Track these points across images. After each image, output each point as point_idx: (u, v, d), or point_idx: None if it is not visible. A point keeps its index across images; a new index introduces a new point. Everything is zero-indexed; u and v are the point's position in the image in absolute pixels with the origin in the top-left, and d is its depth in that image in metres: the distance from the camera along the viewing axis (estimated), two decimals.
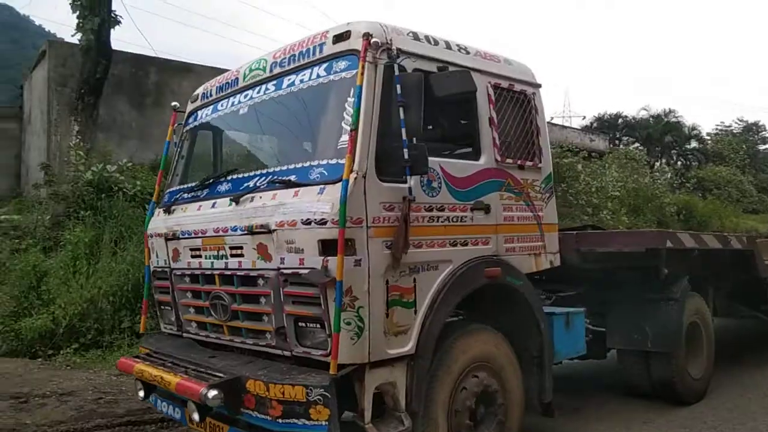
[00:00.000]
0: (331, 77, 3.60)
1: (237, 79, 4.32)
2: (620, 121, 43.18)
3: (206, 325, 4.13)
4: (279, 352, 3.59)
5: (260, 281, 3.61)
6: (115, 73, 12.77)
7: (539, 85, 4.67)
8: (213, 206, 4.00)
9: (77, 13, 11.88)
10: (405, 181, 3.39)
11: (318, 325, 3.34)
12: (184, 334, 4.42)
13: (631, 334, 5.68)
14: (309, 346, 3.41)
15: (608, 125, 41.79)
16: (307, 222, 3.30)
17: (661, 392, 5.80)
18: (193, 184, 4.37)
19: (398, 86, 3.37)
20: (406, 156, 3.32)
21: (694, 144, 36.77)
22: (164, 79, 15.69)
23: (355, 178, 3.26)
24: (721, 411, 5.67)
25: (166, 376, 3.58)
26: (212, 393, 3.23)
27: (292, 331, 3.45)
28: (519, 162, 4.34)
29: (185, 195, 4.40)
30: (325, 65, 3.65)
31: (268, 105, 3.97)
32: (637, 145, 34.18)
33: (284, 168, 3.66)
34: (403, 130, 3.32)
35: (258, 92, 4.08)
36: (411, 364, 3.49)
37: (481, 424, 3.89)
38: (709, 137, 40.30)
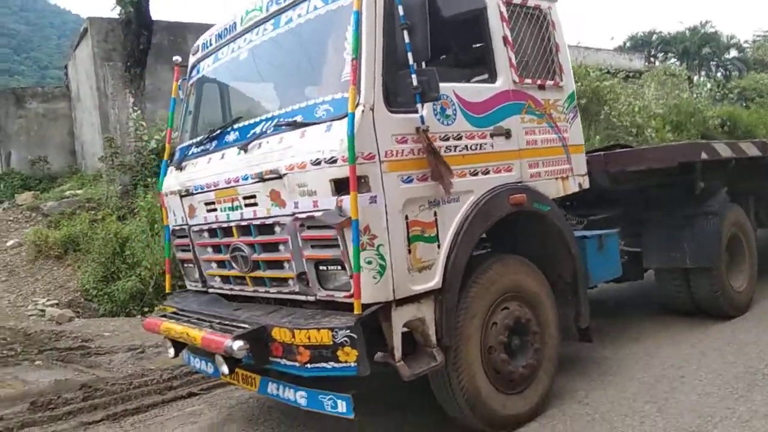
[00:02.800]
0: (329, 7, 3.40)
1: (235, 23, 4.13)
2: (654, 37, 41.41)
3: (229, 278, 4.10)
4: (303, 297, 3.54)
5: (277, 228, 3.53)
6: (154, 42, 12.70)
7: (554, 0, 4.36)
8: (222, 157, 3.90)
9: None
10: (417, 111, 3.23)
11: (339, 267, 3.27)
12: (209, 290, 4.42)
13: (669, 252, 5.51)
14: (332, 289, 3.34)
15: (642, 43, 40.09)
16: (317, 162, 3.17)
17: (704, 308, 5.66)
18: (201, 137, 4.26)
19: (400, 7, 3.16)
20: (414, 82, 3.14)
21: (733, 53, 35.07)
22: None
23: (363, 111, 3.11)
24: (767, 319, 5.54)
25: (191, 331, 3.57)
26: (237, 344, 3.21)
27: (314, 275, 3.39)
28: (539, 82, 4.10)
29: (195, 149, 4.30)
30: None
31: (268, 46, 3.79)
32: (674, 60, 32.73)
33: (289, 109, 3.52)
34: (410, 55, 3.14)
35: (257, 34, 3.90)
36: (439, 298, 3.41)
37: (518, 353, 3.83)
38: (747, 45, 38.42)
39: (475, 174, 3.65)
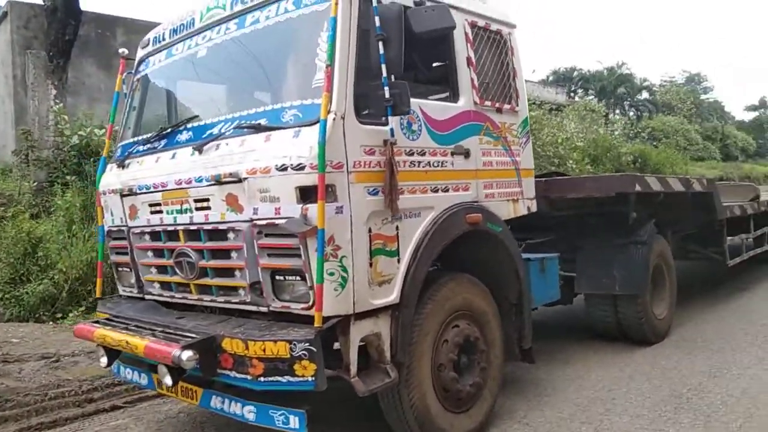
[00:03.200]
0: (301, 11, 3.33)
1: (193, 19, 3.97)
2: (575, 74, 43.71)
3: (171, 285, 3.90)
4: (254, 308, 3.40)
5: (230, 234, 3.39)
6: (80, 34, 12.01)
7: (514, 26, 4.49)
8: (173, 157, 3.72)
9: None
10: (385, 123, 3.22)
11: (298, 278, 3.17)
12: (146, 297, 4.18)
13: (600, 279, 5.73)
14: (288, 300, 3.23)
15: (564, 78, 42.25)
16: (283, 168, 3.08)
17: (629, 333, 5.91)
18: (149, 135, 4.05)
19: (377, 18, 3.14)
20: (387, 95, 3.12)
21: (645, 95, 37.60)
22: (132, 39, 14.72)
23: (334, 119, 3.05)
24: (684, 346, 5.89)
25: (131, 339, 3.35)
26: (186, 354, 3.04)
27: (269, 285, 3.27)
28: (497, 105, 4.19)
29: (141, 147, 4.09)
30: None
31: (231, 45, 3.67)
32: (592, 97, 34.69)
33: (252, 112, 3.41)
34: (383, 67, 3.12)
35: (218, 33, 3.77)
36: (395, 314, 3.37)
37: (465, 372, 3.84)
38: (656, 88, 41.26)
39: (435, 191, 3.67)
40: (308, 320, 3.09)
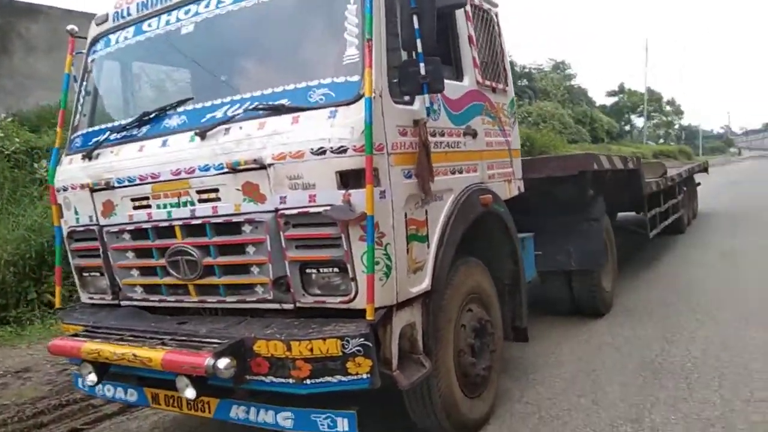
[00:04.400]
0: None
1: None
2: None
3: (161, 287, 3.51)
4: (276, 306, 3.13)
5: (246, 227, 3.09)
6: None
7: (497, 5, 4.45)
8: (164, 145, 3.32)
9: None
10: (412, 102, 3.08)
11: (335, 269, 2.94)
12: (123, 302, 3.74)
13: (556, 256, 5.89)
14: (322, 295, 3.00)
15: None
16: (320, 151, 2.82)
17: (582, 307, 6.16)
18: (128, 121, 3.58)
19: None
20: (422, 71, 2.95)
21: (525, 82, 39.30)
22: (9, 22, 13.08)
23: (373, 98, 2.84)
24: (632, 316, 6.25)
25: (140, 352, 2.94)
26: (224, 362, 2.73)
27: (298, 279, 3.01)
28: (492, 84, 4.15)
29: (114, 135, 3.61)
30: None
31: (229, 20, 3.32)
32: None
33: (267, 92, 3.10)
34: (418, 42, 2.95)
35: (208, 6, 3.39)
36: (426, 302, 3.24)
37: (479, 355, 3.78)
38: (534, 75, 43.41)
39: (453, 173, 3.56)
40: (344, 314, 2.91)
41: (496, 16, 4.37)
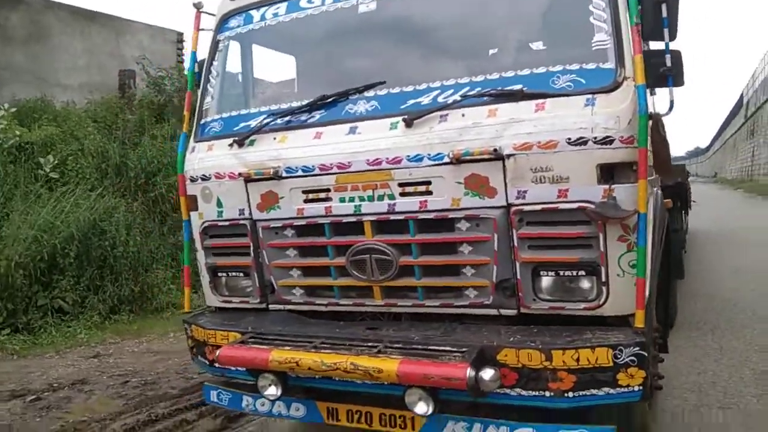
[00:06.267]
0: None
1: None
2: None
3: (332, 289, 3.18)
4: (491, 311, 2.86)
5: (463, 224, 2.81)
6: None
7: None
8: (352, 132, 3.00)
9: None
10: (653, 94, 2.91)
11: (581, 272, 2.70)
12: (272, 306, 3.38)
13: None
14: (560, 300, 2.74)
15: None
16: (579, 141, 2.57)
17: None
18: (301, 105, 3.23)
19: None
20: (668, 62, 2.77)
21: None
22: None
23: (627, 87, 2.63)
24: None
25: (362, 361, 2.58)
26: (489, 373, 2.45)
27: (529, 283, 2.75)
28: None
29: (277, 120, 3.26)
30: None
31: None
32: None
33: (494, 77, 2.83)
34: (665, 31, 2.76)
35: None
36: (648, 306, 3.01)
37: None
38: None
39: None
40: (579, 321, 2.70)
41: None
